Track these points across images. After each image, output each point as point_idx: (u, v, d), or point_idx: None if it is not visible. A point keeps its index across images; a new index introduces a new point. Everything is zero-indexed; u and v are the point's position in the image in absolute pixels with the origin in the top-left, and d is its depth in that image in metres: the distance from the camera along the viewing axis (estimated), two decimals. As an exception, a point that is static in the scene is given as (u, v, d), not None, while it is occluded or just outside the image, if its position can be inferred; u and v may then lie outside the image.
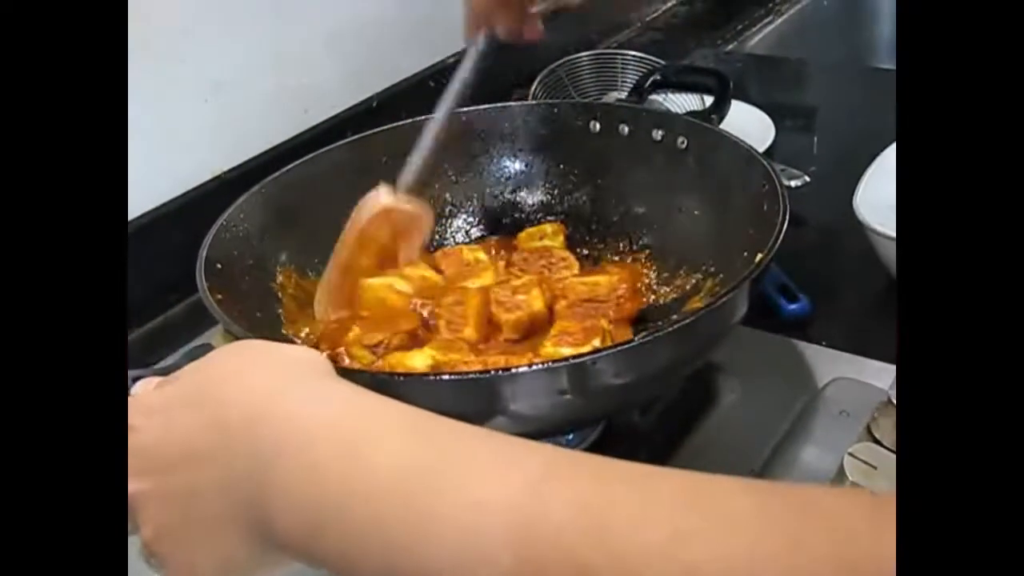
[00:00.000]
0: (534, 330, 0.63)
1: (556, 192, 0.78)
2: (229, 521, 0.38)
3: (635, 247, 0.73)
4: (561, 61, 1.04)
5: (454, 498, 0.33)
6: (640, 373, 0.49)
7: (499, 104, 0.78)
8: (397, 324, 0.62)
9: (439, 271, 0.70)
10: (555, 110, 0.77)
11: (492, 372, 0.48)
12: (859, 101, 1.12)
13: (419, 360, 0.57)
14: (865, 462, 0.52)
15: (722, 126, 0.71)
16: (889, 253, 0.72)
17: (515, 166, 0.78)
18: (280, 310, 0.63)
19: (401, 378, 0.51)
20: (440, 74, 1.02)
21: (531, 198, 0.79)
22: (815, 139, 1.08)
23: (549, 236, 0.74)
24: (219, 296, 0.55)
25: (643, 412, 0.64)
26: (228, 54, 0.83)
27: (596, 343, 0.57)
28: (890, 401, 0.56)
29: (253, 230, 0.65)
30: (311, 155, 0.72)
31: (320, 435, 0.37)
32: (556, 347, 0.58)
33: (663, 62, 1.01)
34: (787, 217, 0.56)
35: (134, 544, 0.40)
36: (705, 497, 0.31)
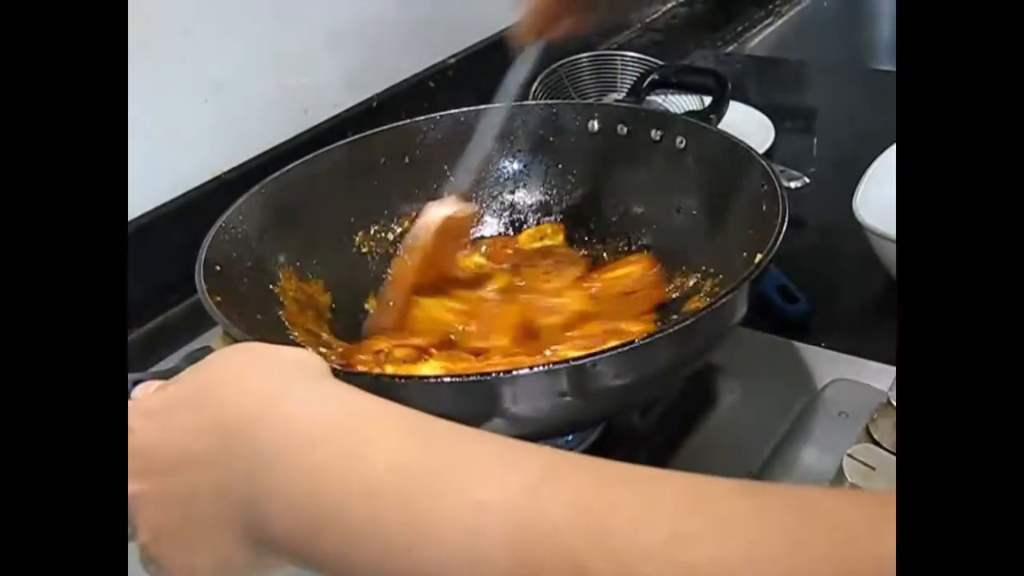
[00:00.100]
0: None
1: (555, 192, 0.78)
2: (227, 523, 0.38)
3: (634, 247, 0.73)
4: (561, 61, 1.04)
5: (453, 500, 0.33)
6: (640, 374, 0.49)
7: (498, 104, 0.78)
8: (410, 337, 0.61)
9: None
10: (554, 110, 0.77)
11: (492, 374, 0.48)
12: (859, 102, 1.12)
13: (427, 370, 0.57)
14: (864, 463, 0.52)
15: (722, 128, 0.71)
16: (889, 254, 0.72)
17: (514, 166, 0.78)
18: (281, 312, 0.63)
19: (402, 380, 0.51)
20: (440, 74, 1.02)
21: (530, 198, 0.79)
22: (815, 140, 1.08)
23: (549, 236, 0.74)
24: (218, 298, 0.55)
25: (643, 413, 0.64)
26: (228, 54, 0.83)
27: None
28: (889, 402, 0.56)
29: (252, 231, 0.65)
30: (311, 155, 0.72)
31: (319, 437, 0.37)
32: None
33: (662, 63, 1.01)
34: (787, 218, 0.56)
35: (133, 549, 0.40)
36: (704, 499, 0.31)
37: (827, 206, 0.82)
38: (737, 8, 1.44)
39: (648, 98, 0.85)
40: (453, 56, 1.04)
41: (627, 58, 1.07)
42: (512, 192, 0.79)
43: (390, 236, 0.75)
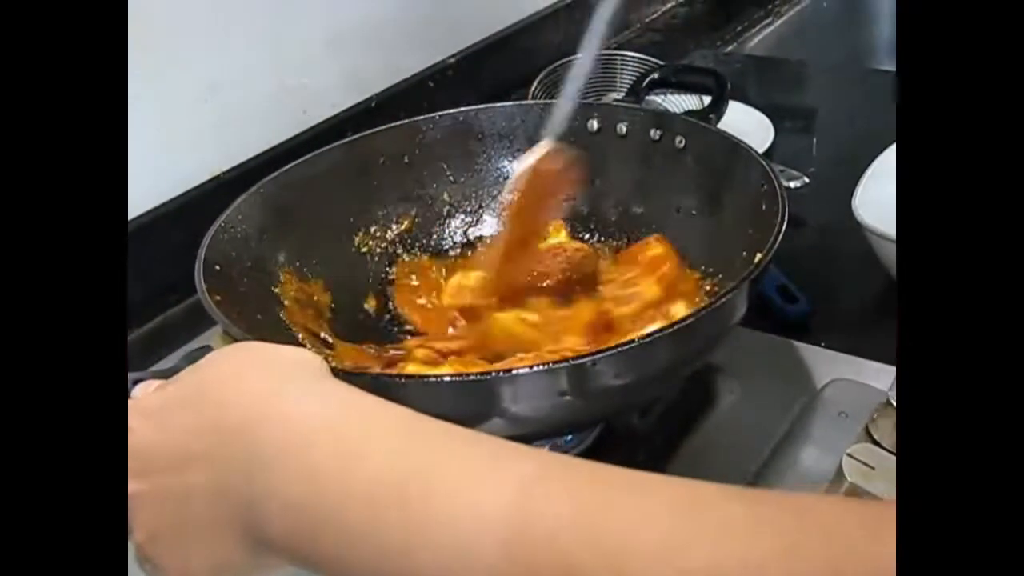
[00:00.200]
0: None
1: (555, 192, 0.78)
2: (225, 524, 0.38)
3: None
4: (561, 61, 1.04)
5: (449, 502, 0.33)
6: (640, 374, 0.49)
7: (498, 104, 0.78)
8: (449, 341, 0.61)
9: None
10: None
11: (492, 373, 0.48)
12: (858, 102, 1.12)
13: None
14: (864, 463, 0.52)
15: (722, 127, 0.71)
16: (888, 254, 0.72)
17: (513, 166, 0.78)
18: (281, 312, 0.63)
19: (402, 379, 0.51)
20: (440, 74, 1.02)
21: (530, 198, 0.79)
22: (814, 140, 1.08)
23: (553, 234, 0.74)
24: (218, 297, 0.55)
25: (642, 413, 0.64)
26: (228, 54, 0.83)
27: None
28: (889, 402, 0.56)
29: (252, 231, 0.65)
30: (310, 155, 0.72)
31: (317, 437, 0.37)
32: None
33: (662, 63, 1.01)
34: (786, 217, 0.56)
35: (132, 548, 0.40)
36: (700, 504, 0.31)
37: (827, 206, 0.82)
38: (737, 8, 1.44)
39: (648, 98, 0.85)
40: (453, 56, 1.04)
41: (627, 58, 1.07)
42: (511, 192, 0.78)
43: (389, 236, 0.75)
